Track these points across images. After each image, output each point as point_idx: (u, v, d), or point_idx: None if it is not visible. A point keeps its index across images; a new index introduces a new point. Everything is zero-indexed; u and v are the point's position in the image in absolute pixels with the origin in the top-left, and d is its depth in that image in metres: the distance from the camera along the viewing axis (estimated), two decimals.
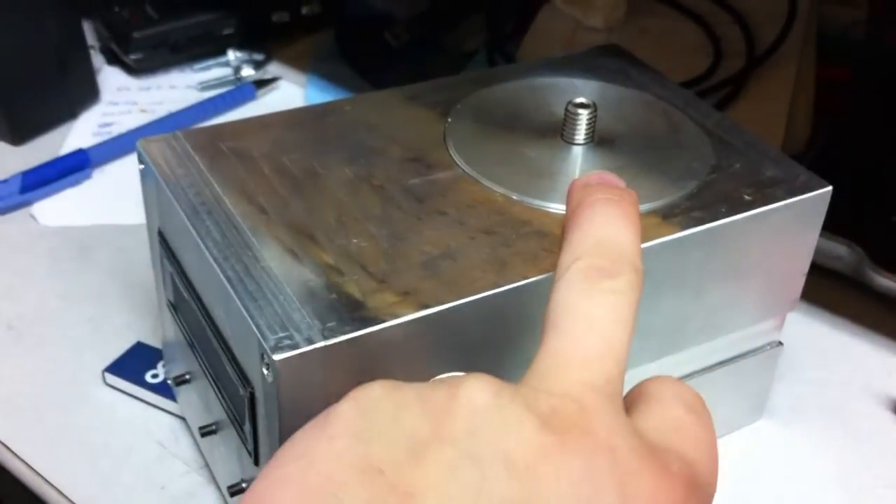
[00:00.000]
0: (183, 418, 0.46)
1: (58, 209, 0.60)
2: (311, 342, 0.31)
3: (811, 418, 0.48)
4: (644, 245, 0.35)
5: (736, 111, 0.64)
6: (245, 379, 0.34)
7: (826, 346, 0.52)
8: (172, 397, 0.46)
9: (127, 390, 0.47)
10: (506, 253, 0.35)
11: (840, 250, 0.53)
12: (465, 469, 0.25)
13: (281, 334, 0.31)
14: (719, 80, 0.65)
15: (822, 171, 0.57)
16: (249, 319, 0.31)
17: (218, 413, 0.39)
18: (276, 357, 0.30)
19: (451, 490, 0.24)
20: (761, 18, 0.70)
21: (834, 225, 0.52)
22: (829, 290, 0.54)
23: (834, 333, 0.53)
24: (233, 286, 0.33)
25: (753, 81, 0.65)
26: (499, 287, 0.34)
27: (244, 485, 0.37)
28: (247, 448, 0.35)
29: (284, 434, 0.32)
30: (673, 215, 0.37)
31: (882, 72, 0.67)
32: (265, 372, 0.31)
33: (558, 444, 0.25)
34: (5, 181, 0.60)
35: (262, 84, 0.72)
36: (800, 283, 0.43)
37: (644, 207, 0.37)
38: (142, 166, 0.40)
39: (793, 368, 0.49)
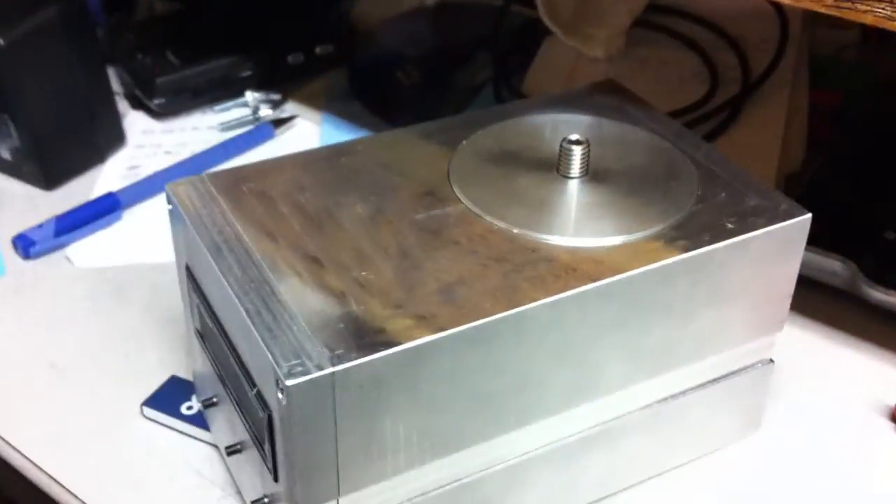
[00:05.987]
0: (216, 446, 0.49)
1: (92, 251, 0.63)
2: (320, 368, 0.33)
3: (809, 429, 0.50)
4: (633, 272, 0.38)
5: (733, 135, 0.66)
6: (264, 402, 0.36)
7: (823, 358, 0.54)
8: (207, 427, 0.49)
9: (164, 422, 0.50)
10: (516, 278, 0.38)
11: (835, 266, 0.56)
12: None
13: (294, 362, 0.34)
14: (716, 106, 0.67)
15: (817, 191, 0.60)
16: (266, 349, 0.34)
17: (242, 433, 0.42)
18: (289, 382, 0.33)
19: None
20: (756, 44, 0.72)
21: (829, 242, 0.55)
22: (825, 304, 0.56)
23: (831, 346, 0.55)
24: (251, 318, 0.36)
25: (749, 106, 0.68)
26: (511, 309, 0.36)
27: (266, 500, 0.40)
28: (267, 466, 0.38)
29: (297, 452, 0.35)
30: (659, 244, 0.40)
31: (871, 95, 0.69)
32: (280, 396, 0.34)
33: None
34: (40, 226, 0.63)
35: (279, 123, 0.76)
36: (786, 305, 0.45)
37: (633, 237, 0.40)
38: (170, 207, 0.44)
39: (791, 380, 0.52)
